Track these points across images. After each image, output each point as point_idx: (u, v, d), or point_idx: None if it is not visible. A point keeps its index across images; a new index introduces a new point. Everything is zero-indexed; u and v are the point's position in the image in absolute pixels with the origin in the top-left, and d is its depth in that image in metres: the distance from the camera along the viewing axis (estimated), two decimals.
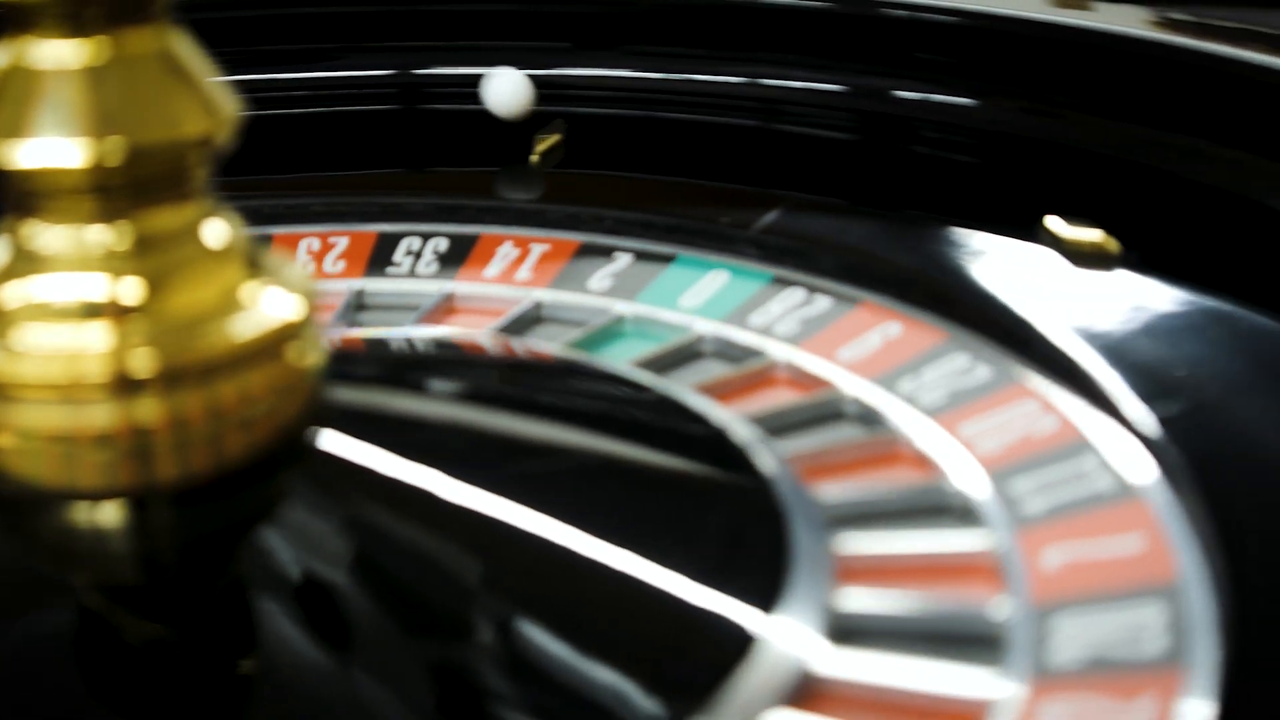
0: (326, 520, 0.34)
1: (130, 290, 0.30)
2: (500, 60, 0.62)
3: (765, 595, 0.33)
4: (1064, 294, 0.46)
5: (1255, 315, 0.44)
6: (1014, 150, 0.57)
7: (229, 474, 0.31)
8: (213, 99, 0.31)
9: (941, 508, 0.38)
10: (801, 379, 0.44)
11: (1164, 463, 0.37)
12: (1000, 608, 0.34)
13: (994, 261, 0.48)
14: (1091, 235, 0.48)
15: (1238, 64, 0.53)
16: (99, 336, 0.30)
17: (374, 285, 0.51)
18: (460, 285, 0.50)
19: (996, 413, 0.41)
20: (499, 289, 0.50)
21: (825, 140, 0.61)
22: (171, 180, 0.31)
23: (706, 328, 0.46)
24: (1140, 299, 0.45)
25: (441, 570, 0.34)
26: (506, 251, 0.52)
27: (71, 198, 0.30)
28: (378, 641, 0.32)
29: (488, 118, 0.61)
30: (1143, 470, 0.37)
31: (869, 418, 0.41)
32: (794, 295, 0.47)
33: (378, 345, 0.47)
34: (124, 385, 0.30)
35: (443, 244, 0.53)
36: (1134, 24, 0.57)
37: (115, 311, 0.30)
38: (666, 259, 0.50)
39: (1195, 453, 0.37)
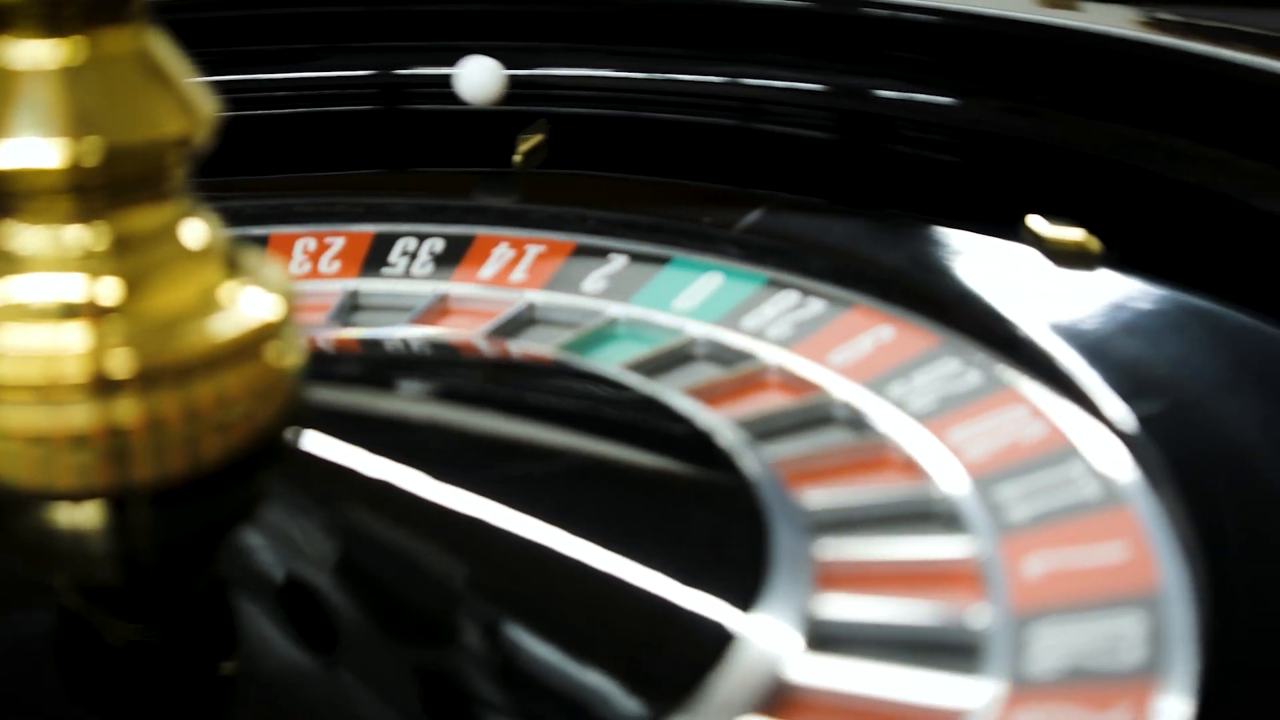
0: (308, 521, 0.34)
1: (108, 291, 0.30)
2: None
3: (743, 599, 0.33)
4: (1045, 293, 0.46)
5: (1237, 314, 0.44)
6: (995, 149, 0.57)
7: (207, 475, 0.31)
8: (190, 99, 0.31)
9: (926, 514, 0.38)
10: (792, 382, 0.44)
11: (1144, 462, 0.37)
12: (979, 616, 0.33)
13: (976, 261, 0.48)
14: (1073, 234, 0.48)
15: (1219, 63, 0.53)
16: (76, 337, 0.30)
17: (369, 286, 0.51)
18: (455, 286, 0.50)
19: (985, 418, 0.40)
20: (493, 290, 0.50)
21: (807, 140, 0.61)
22: (149, 180, 0.31)
23: (699, 330, 0.46)
24: (1122, 298, 0.45)
25: (422, 570, 0.34)
26: (502, 253, 0.52)
27: (49, 198, 0.30)
28: (359, 642, 0.32)
29: (470, 117, 0.61)
30: (1124, 471, 0.37)
31: (858, 422, 0.41)
32: (788, 298, 0.47)
33: (366, 346, 0.46)
34: (102, 386, 0.30)
35: (438, 245, 0.52)
36: (1113, 23, 0.57)
37: (93, 312, 0.30)
38: (661, 261, 0.50)
39: (1175, 451, 0.37)
